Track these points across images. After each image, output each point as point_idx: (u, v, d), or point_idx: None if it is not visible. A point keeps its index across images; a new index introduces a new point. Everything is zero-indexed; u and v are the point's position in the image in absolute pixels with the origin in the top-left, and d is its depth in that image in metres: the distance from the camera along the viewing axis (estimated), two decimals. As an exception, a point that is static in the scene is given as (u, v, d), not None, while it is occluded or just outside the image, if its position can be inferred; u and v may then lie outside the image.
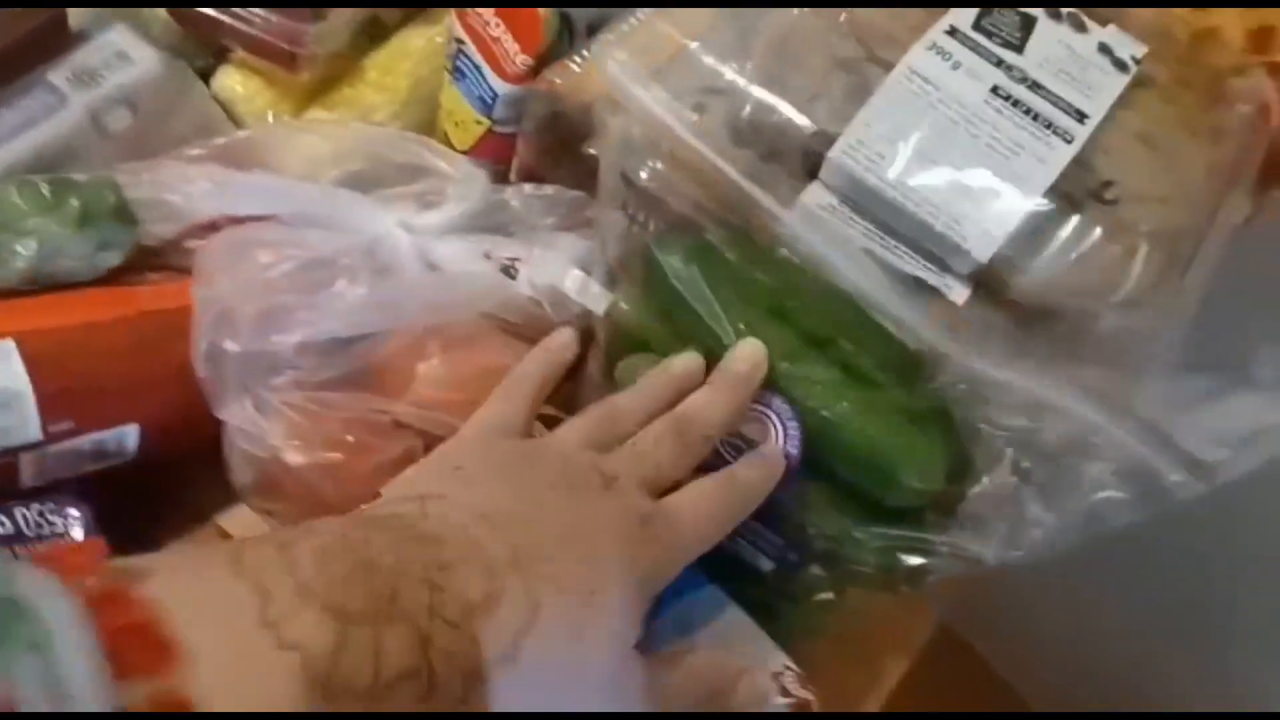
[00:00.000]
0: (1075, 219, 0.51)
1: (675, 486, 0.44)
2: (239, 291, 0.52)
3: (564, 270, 0.55)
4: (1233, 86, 0.61)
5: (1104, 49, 0.54)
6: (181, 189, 0.55)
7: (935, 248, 0.52)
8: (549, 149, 0.67)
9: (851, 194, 0.53)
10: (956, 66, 0.51)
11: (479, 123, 0.61)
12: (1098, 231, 0.51)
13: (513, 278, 0.57)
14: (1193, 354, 0.53)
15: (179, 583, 0.30)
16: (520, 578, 0.36)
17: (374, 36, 0.68)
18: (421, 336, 0.55)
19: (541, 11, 0.72)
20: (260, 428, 0.50)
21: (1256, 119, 0.62)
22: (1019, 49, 0.52)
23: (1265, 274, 0.78)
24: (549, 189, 0.61)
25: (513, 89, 0.59)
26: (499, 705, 0.33)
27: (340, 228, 0.56)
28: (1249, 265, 0.74)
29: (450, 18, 0.60)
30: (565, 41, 0.77)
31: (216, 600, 0.30)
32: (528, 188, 0.61)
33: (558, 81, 0.67)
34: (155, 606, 0.28)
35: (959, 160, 0.50)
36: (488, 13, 0.57)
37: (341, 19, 0.62)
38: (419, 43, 0.68)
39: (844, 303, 0.51)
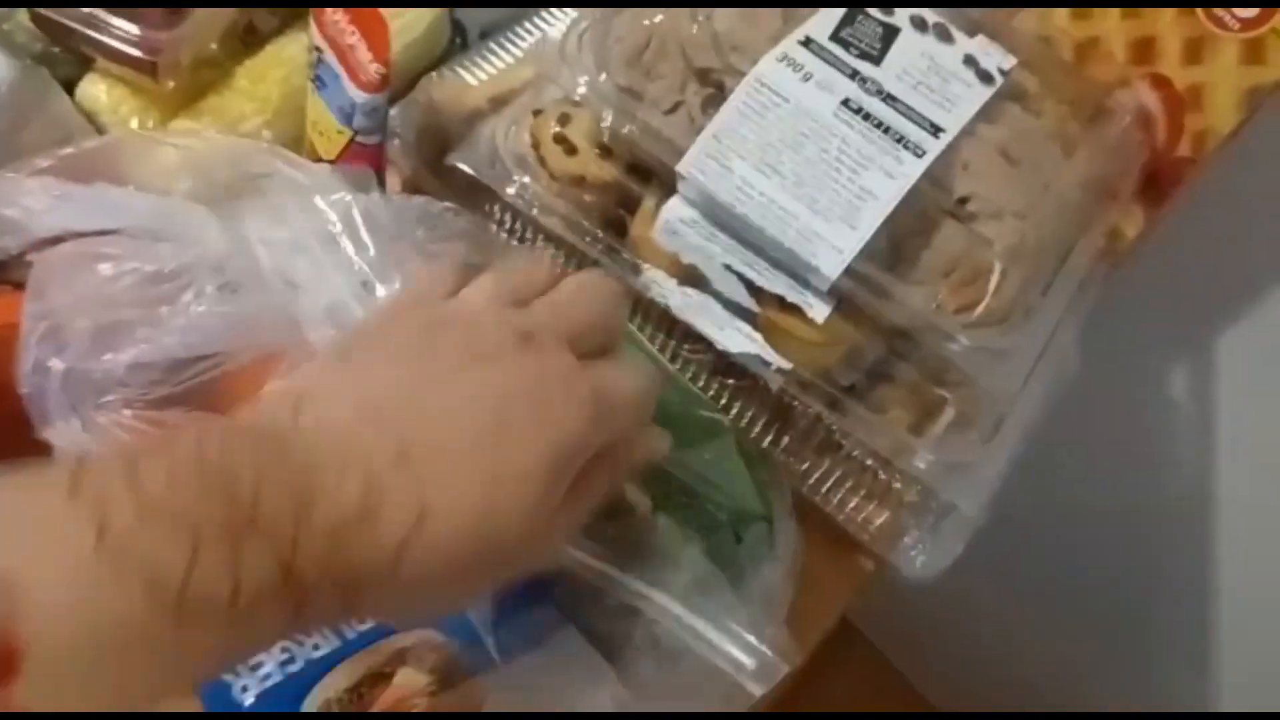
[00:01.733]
0: (930, 236, 0.50)
1: None
2: (73, 306, 0.50)
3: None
4: (1114, 99, 0.60)
5: (969, 60, 0.53)
6: (19, 203, 0.53)
7: (792, 263, 0.51)
8: (428, 160, 0.65)
9: (708, 208, 0.52)
10: (807, 78, 0.50)
11: (340, 132, 0.60)
12: (952, 249, 0.50)
13: (371, 293, 0.55)
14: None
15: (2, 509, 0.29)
16: (406, 478, 0.33)
17: (249, 44, 0.67)
18: (271, 354, 0.53)
19: (412, 15, 0.71)
20: (86, 449, 0.48)
21: (1138, 132, 0.61)
22: (877, 60, 0.51)
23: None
24: (418, 200, 0.59)
25: (369, 98, 0.57)
26: (383, 615, 0.34)
27: (189, 241, 0.54)
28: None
29: (310, 24, 0.59)
30: (456, 46, 0.76)
31: (48, 527, 0.29)
32: (396, 199, 0.59)
33: (434, 94, 0.66)
34: None
35: (807, 175, 0.48)
36: (343, 19, 0.56)
37: (201, 25, 0.60)
38: (294, 50, 0.66)
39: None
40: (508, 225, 0.61)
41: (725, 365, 0.58)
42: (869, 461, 0.57)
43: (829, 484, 0.60)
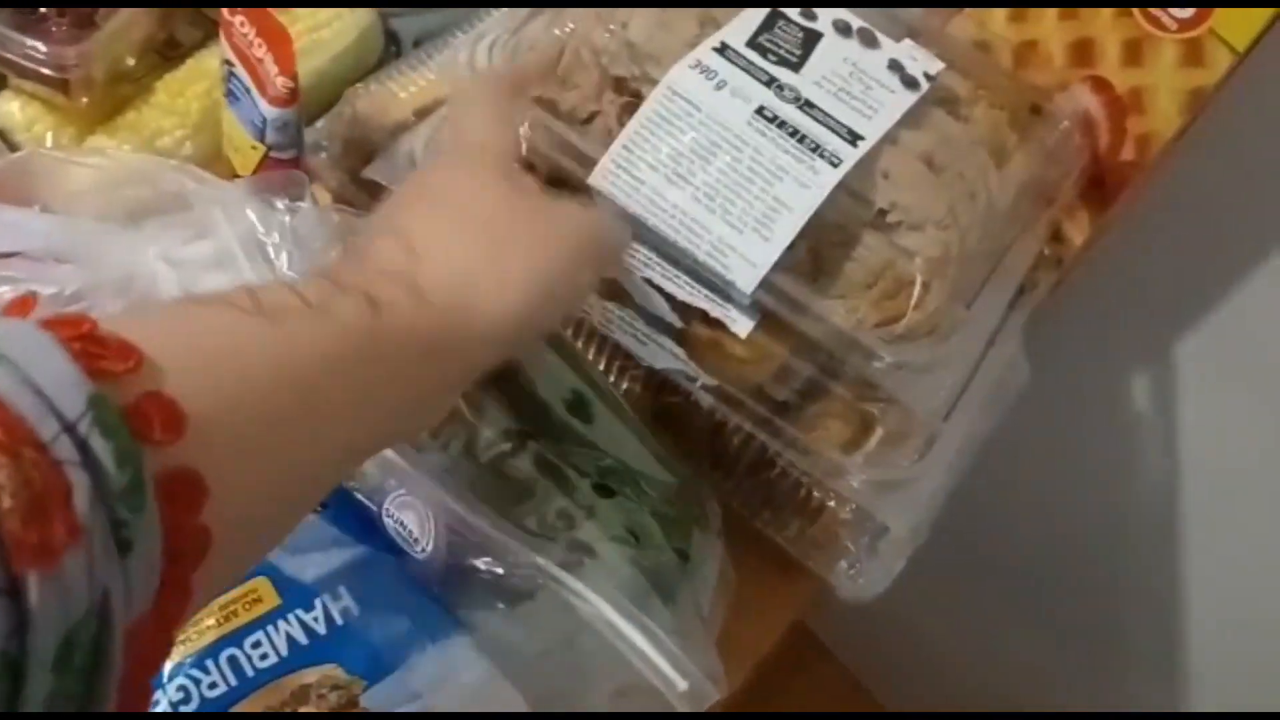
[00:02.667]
0: (850, 248, 0.48)
1: None
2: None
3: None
4: (1052, 103, 0.58)
5: (894, 66, 0.51)
6: (-86, 225, 0.51)
7: (709, 277, 0.49)
8: (353, 173, 0.64)
9: (624, 220, 0.50)
10: (721, 86, 0.48)
11: (255, 148, 0.58)
12: (873, 261, 0.48)
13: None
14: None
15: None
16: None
17: (170, 57, 0.65)
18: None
19: (341, 23, 0.69)
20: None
21: (1077, 136, 0.59)
22: (796, 67, 0.49)
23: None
24: (333, 214, 0.58)
25: (279, 112, 0.55)
26: None
27: (92, 263, 0.53)
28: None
29: (221, 37, 0.57)
30: (390, 55, 0.74)
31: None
32: (311, 213, 0.58)
33: (359, 106, 0.64)
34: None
35: (720, 185, 0.47)
36: (251, 31, 0.54)
37: (112, 40, 0.59)
38: (215, 64, 0.64)
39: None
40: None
41: (659, 383, 0.57)
42: (803, 480, 0.55)
43: (762, 503, 0.59)
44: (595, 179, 0.48)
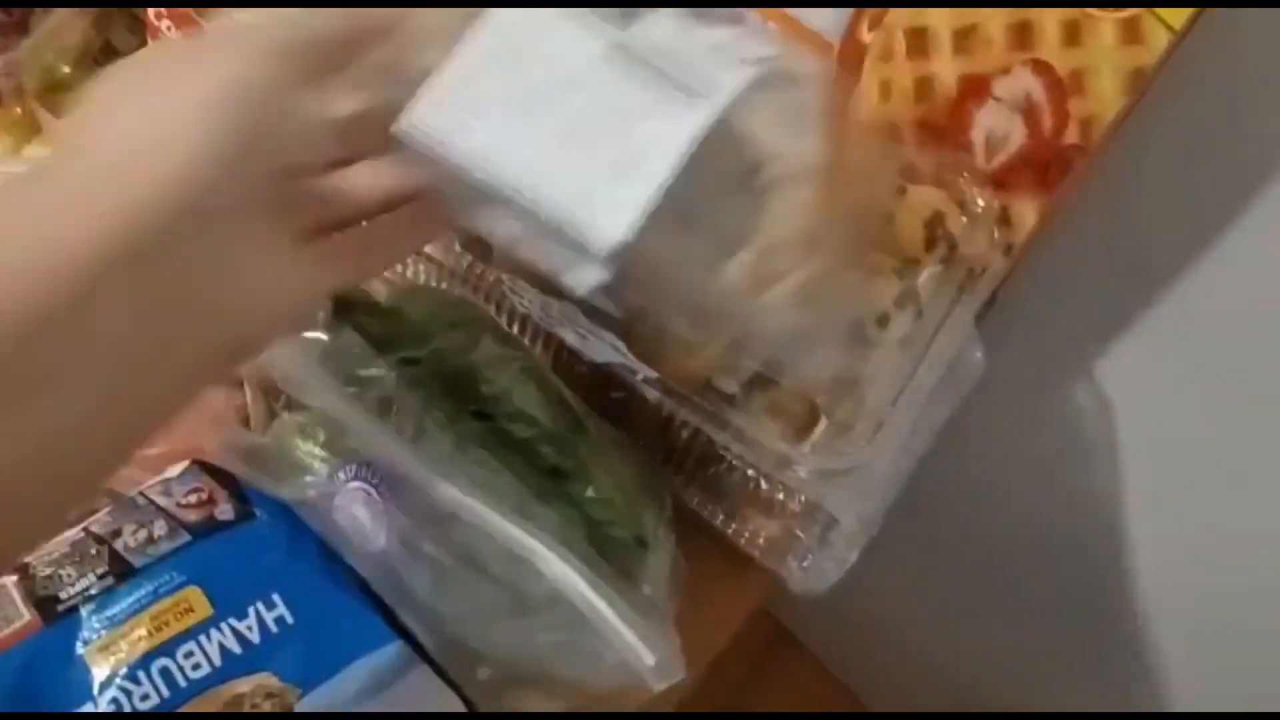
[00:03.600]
0: (729, 203, 0.43)
1: None
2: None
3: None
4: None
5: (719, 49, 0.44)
6: None
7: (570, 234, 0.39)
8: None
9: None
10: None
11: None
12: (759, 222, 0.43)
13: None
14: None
15: None
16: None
17: (107, 65, 0.64)
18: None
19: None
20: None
21: (1024, 123, 0.59)
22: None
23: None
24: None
25: None
26: None
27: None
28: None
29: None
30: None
31: None
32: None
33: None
34: None
35: (561, 130, 0.38)
36: (175, 33, 0.53)
37: (41, 49, 0.58)
38: (152, 70, 0.64)
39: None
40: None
41: (606, 377, 0.56)
42: (750, 473, 0.55)
43: (713, 497, 0.58)
44: (406, 124, 0.37)
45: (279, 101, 0.33)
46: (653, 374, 0.52)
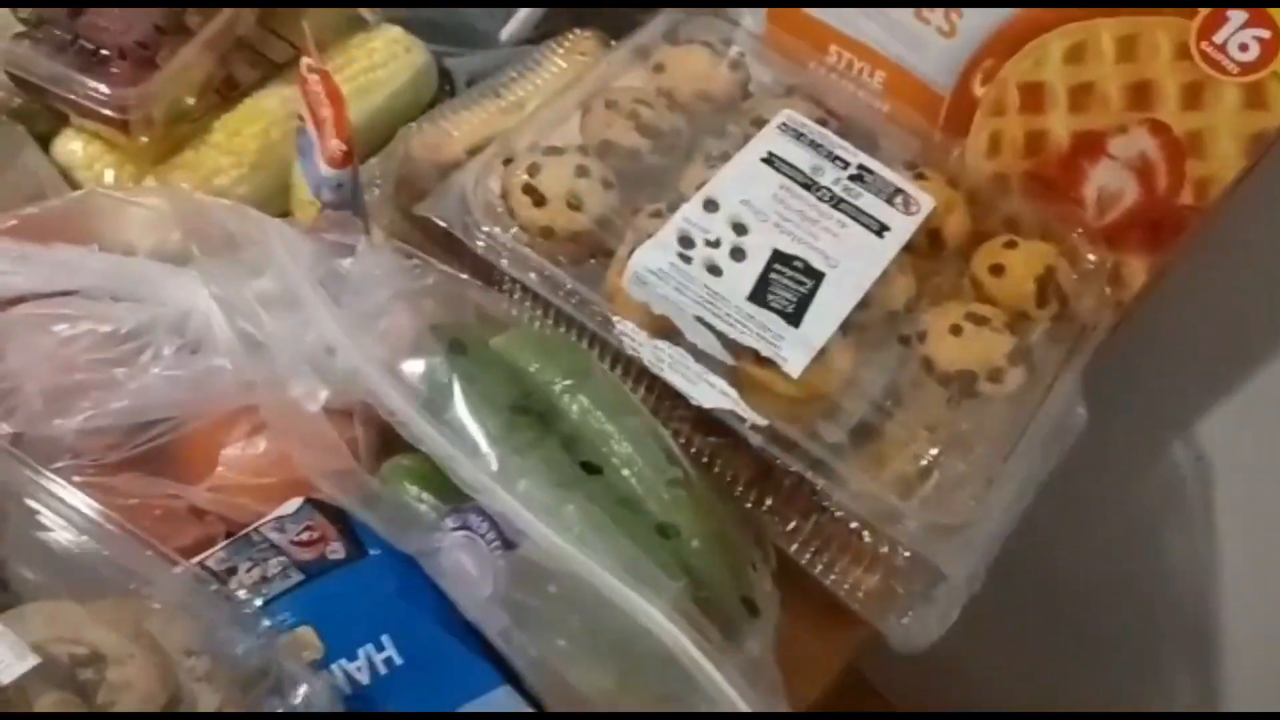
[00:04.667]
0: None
1: None
2: (26, 369, 0.49)
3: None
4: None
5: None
6: (-25, 263, 0.52)
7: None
8: (405, 211, 0.64)
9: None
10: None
11: (312, 203, 0.58)
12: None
13: (333, 356, 0.54)
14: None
15: None
16: None
17: (228, 97, 0.66)
18: (231, 416, 0.52)
19: (396, 64, 0.70)
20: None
21: (1138, 182, 0.58)
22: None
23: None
24: (387, 257, 0.58)
25: (334, 173, 0.55)
26: None
27: (148, 301, 0.53)
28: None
29: (295, 89, 0.57)
30: (445, 94, 0.74)
31: None
32: (366, 257, 0.58)
33: (413, 144, 0.65)
34: None
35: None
36: (321, 90, 0.54)
37: (172, 81, 0.60)
38: (272, 104, 0.65)
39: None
40: (482, 277, 0.59)
41: (708, 422, 0.56)
42: (854, 524, 0.54)
43: (814, 547, 0.58)
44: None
45: None
46: (762, 421, 0.51)
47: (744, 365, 0.52)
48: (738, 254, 0.54)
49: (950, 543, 0.51)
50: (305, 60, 0.55)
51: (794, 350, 0.50)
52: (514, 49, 0.74)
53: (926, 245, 0.58)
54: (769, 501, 0.58)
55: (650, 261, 0.51)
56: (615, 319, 0.54)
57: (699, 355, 0.53)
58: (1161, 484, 0.82)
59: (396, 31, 0.71)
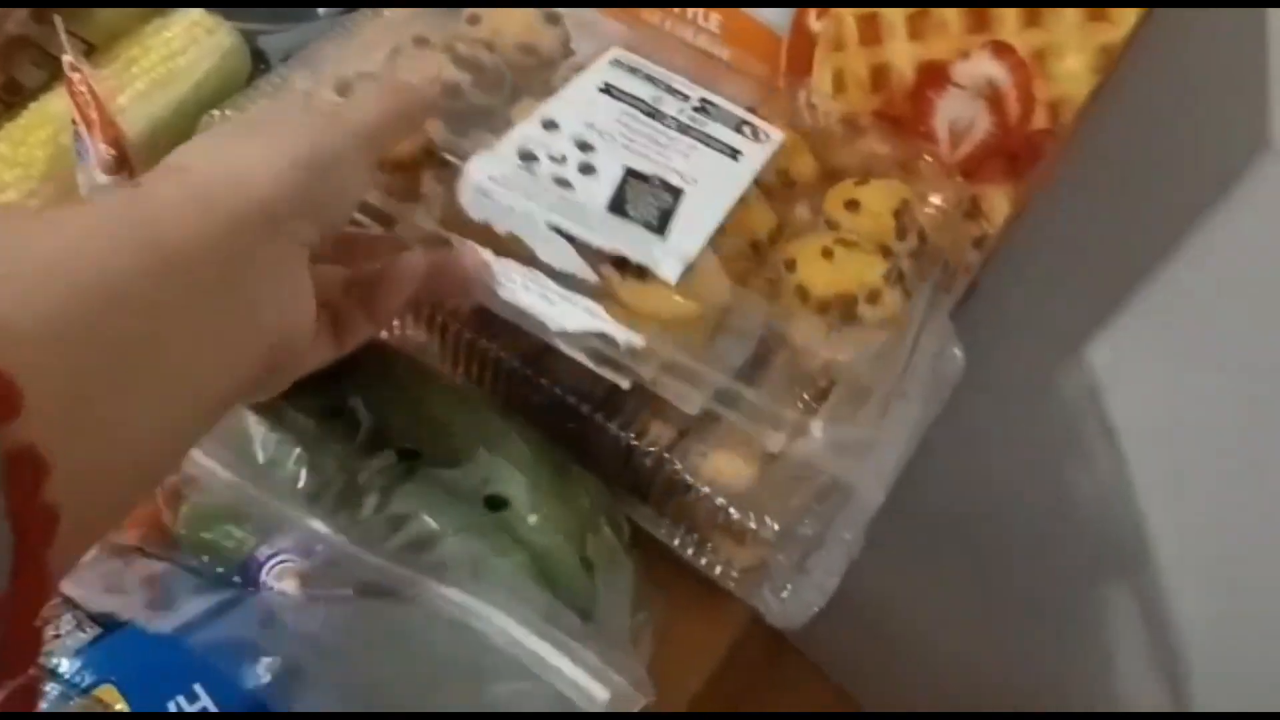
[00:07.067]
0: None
1: None
2: None
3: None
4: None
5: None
6: None
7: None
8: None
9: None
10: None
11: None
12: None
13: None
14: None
15: None
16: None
17: (9, 103, 0.60)
18: None
19: (205, 45, 0.65)
20: None
21: (989, 110, 0.55)
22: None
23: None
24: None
25: (109, 179, 0.50)
26: None
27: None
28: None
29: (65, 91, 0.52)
30: (260, 74, 0.69)
31: None
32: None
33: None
34: None
35: None
36: (87, 90, 0.49)
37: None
38: (60, 107, 0.59)
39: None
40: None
41: (561, 408, 0.53)
42: (720, 501, 0.51)
43: (683, 529, 0.55)
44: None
45: (344, 174, 0.40)
46: (638, 339, 0.46)
47: (609, 284, 0.46)
48: (587, 169, 0.47)
49: (859, 460, 0.48)
50: (65, 58, 0.49)
51: (667, 258, 0.45)
52: (331, 19, 0.69)
53: (779, 186, 0.54)
54: (633, 486, 0.54)
55: (491, 169, 0.46)
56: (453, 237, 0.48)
57: (555, 274, 0.46)
58: (1056, 418, 0.80)
59: (196, 14, 0.66)
